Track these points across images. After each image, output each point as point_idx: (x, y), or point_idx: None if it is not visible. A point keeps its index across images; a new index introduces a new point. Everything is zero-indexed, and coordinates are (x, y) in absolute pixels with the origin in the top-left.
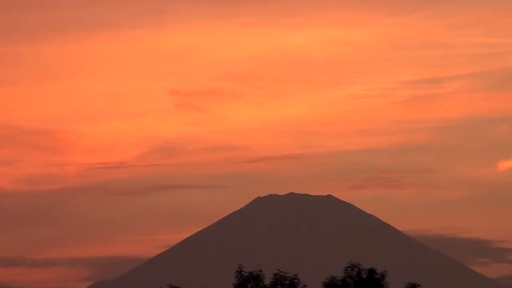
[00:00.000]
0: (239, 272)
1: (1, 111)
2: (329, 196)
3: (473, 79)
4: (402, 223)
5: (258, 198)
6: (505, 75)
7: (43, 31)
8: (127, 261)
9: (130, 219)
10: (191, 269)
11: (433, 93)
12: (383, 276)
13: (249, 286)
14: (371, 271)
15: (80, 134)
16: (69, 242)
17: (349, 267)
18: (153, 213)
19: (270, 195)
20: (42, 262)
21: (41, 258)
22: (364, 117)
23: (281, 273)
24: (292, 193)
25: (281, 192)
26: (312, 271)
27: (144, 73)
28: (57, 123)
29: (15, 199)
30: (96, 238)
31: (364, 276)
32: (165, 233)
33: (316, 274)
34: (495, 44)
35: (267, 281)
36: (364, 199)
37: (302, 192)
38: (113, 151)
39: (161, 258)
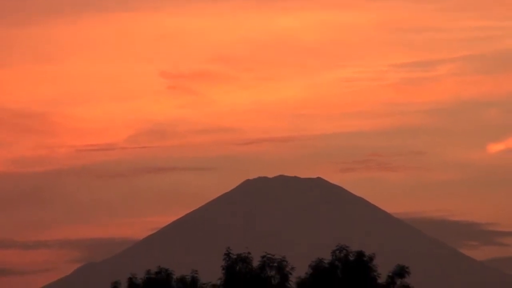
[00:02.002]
0: (227, 254)
1: None
2: (318, 178)
3: (465, 62)
4: (392, 206)
5: (247, 180)
6: (497, 58)
7: (34, 13)
8: (117, 243)
9: (120, 201)
10: (180, 251)
11: (424, 76)
12: (371, 258)
13: (238, 268)
14: (359, 254)
15: (71, 116)
16: (59, 224)
17: (336, 249)
18: (143, 195)
19: (259, 178)
20: (32, 244)
21: (32, 240)
22: (356, 100)
23: (269, 255)
24: (282, 175)
25: (270, 174)
26: (301, 253)
27: (136, 55)
28: (48, 105)
29: (6, 181)
30: (86, 220)
31: (352, 259)
32: (154, 215)
33: (305, 256)
34: (487, 27)
35: (256, 263)
36: (354, 182)
37: (292, 174)
38: (103, 133)
39: (150, 240)
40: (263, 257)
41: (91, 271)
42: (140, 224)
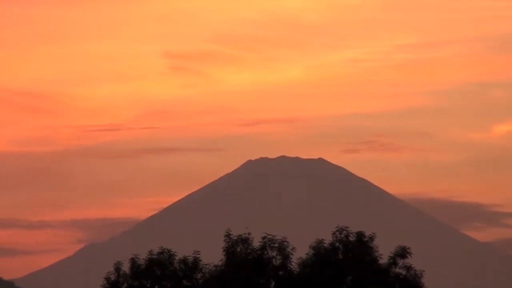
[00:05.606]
0: (228, 235)
1: None
2: (320, 159)
3: (470, 43)
4: (395, 187)
5: (250, 161)
6: (502, 39)
7: None
8: (120, 223)
9: (123, 182)
10: (182, 231)
11: (429, 56)
12: (371, 239)
13: (238, 249)
14: (359, 234)
15: (75, 96)
16: (63, 205)
17: (337, 231)
18: (146, 175)
19: (261, 158)
20: (36, 224)
21: (36, 220)
22: (360, 81)
23: (269, 236)
24: (283, 156)
25: (272, 155)
26: (302, 234)
27: (139, 36)
28: (53, 85)
29: (10, 161)
30: (89, 200)
31: (352, 240)
32: (157, 196)
33: (306, 237)
34: (493, 8)
35: (256, 244)
36: (357, 163)
37: (293, 155)
38: (107, 113)
39: (153, 220)
40: (263, 238)
41: (94, 252)
42: (143, 204)
